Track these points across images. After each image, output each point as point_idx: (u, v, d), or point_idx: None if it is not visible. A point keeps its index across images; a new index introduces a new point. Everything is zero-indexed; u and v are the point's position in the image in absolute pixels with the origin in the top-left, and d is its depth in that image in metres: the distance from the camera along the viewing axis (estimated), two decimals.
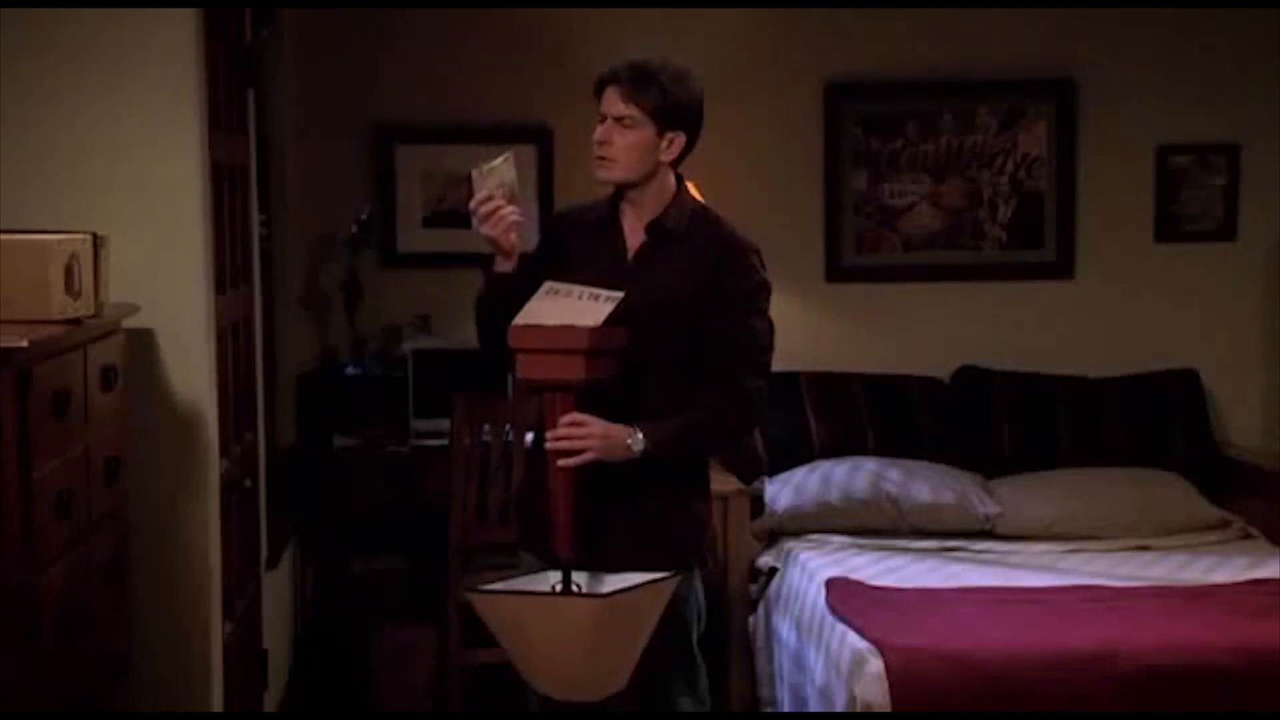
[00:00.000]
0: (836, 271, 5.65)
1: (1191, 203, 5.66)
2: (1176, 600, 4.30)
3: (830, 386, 5.49)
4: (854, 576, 4.55)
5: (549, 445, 3.22)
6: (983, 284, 5.66)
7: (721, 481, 5.11)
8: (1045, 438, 5.45)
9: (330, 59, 5.49)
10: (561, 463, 3.21)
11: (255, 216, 4.43)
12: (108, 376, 3.17)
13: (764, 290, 3.39)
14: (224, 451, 3.79)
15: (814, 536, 5.01)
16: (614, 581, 3.19)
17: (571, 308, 3.21)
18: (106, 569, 3.20)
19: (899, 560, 4.80)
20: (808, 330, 5.60)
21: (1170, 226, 5.67)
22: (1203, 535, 5.06)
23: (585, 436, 3.20)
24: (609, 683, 3.18)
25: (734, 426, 3.45)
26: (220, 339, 3.79)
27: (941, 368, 5.58)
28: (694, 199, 3.47)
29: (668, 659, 3.36)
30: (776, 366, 5.42)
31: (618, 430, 3.22)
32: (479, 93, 5.49)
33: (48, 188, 3.48)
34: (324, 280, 5.43)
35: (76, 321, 2.98)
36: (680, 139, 3.36)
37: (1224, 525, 5.14)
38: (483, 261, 3.39)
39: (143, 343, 3.52)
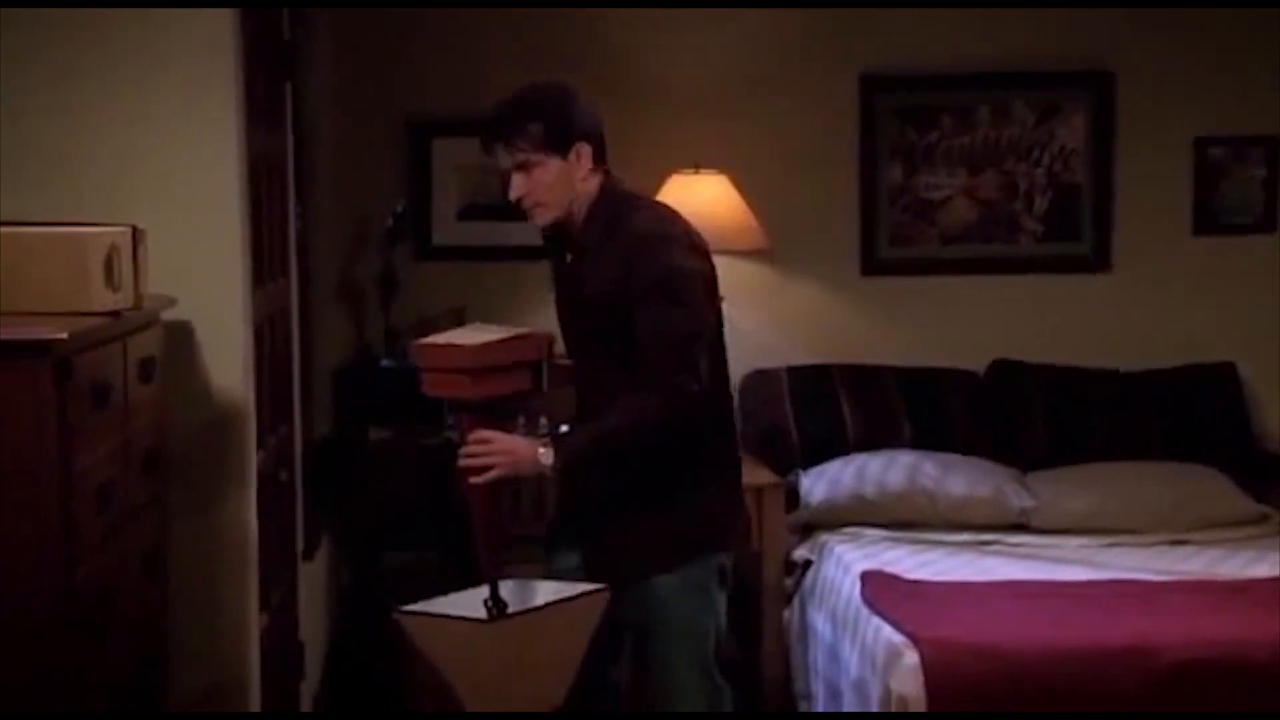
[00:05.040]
0: (872, 264, 5.64)
1: (1230, 195, 5.62)
2: (1214, 595, 4.27)
3: (865, 379, 5.48)
4: (889, 570, 4.54)
5: (460, 463, 3.22)
6: (1019, 277, 5.64)
7: (756, 474, 5.12)
8: (1081, 432, 5.43)
9: (366, 53, 5.51)
10: (472, 479, 3.20)
11: (292, 210, 4.45)
12: (146, 369, 3.19)
13: (675, 278, 3.21)
14: (261, 444, 3.81)
15: (849, 529, 5.00)
16: (546, 592, 3.16)
17: (477, 334, 3.25)
18: (145, 561, 3.22)
19: (934, 554, 4.79)
20: (843, 323, 5.61)
21: (1208, 219, 5.63)
22: (1240, 530, 5.03)
23: (490, 454, 3.19)
24: (536, 703, 3.10)
25: (656, 427, 3.22)
26: (257, 332, 3.80)
27: (977, 361, 5.56)
28: (620, 195, 3.33)
29: (682, 675, 3.33)
30: (812, 359, 5.52)
31: (524, 446, 3.20)
32: (514, 86, 5.48)
33: (87, 182, 3.50)
34: (359, 273, 5.45)
35: (116, 314, 2.99)
36: (585, 148, 3.26)
37: (1262, 520, 5.11)
38: None
39: (180, 335, 3.54)
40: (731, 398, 3.50)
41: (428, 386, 3.26)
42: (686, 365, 3.20)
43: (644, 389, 3.20)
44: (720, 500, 3.41)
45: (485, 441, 3.21)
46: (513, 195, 3.28)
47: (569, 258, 3.36)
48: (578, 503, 3.38)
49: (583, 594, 3.13)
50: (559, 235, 3.37)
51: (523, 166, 3.25)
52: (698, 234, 3.34)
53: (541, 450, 3.18)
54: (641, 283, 3.21)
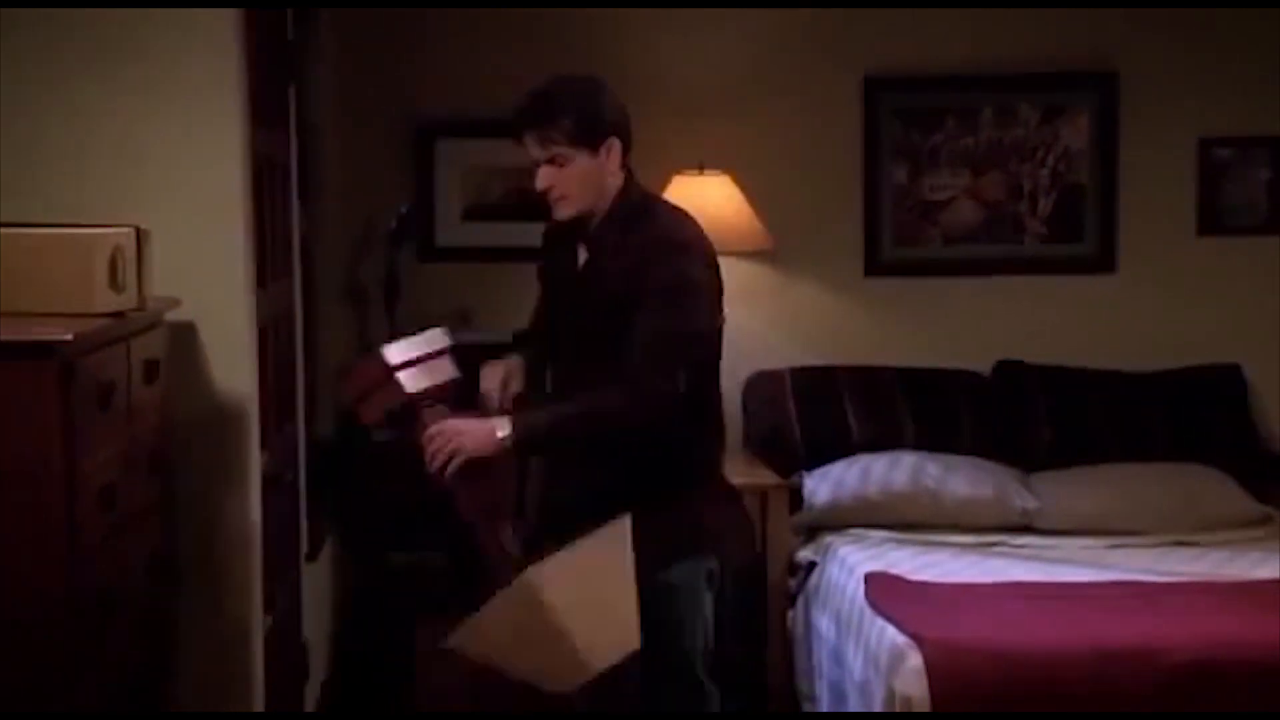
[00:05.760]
0: (875, 265, 5.63)
1: (1234, 196, 5.62)
2: (1219, 596, 4.27)
3: (869, 381, 5.48)
4: (893, 571, 4.53)
5: (432, 468, 3.22)
6: (1023, 278, 5.64)
7: (759, 476, 5.13)
8: (1085, 433, 5.42)
9: (370, 54, 5.51)
10: (447, 472, 3.20)
11: (296, 211, 4.44)
12: (150, 370, 3.19)
13: (684, 285, 3.22)
14: (264, 444, 3.81)
15: (853, 531, 5.00)
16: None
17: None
18: (149, 562, 3.22)
19: (938, 555, 4.79)
20: (846, 324, 5.61)
21: (1213, 220, 5.63)
22: (1245, 531, 5.02)
23: (447, 440, 3.19)
24: (614, 647, 3.05)
25: (620, 421, 3.20)
26: (261, 332, 3.80)
27: (981, 362, 5.56)
28: (641, 196, 3.35)
29: (667, 683, 3.33)
30: (815, 360, 5.52)
31: (475, 424, 3.19)
32: (518, 87, 5.44)
33: (91, 182, 3.49)
34: (363, 274, 5.45)
35: (120, 315, 2.99)
36: (615, 144, 3.27)
37: (1267, 521, 5.10)
38: None
39: (184, 337, 3.54)
40: (722, 407, 3.48)
41: (366, 414, 3.27)
42: (667, 369, 3.18)
43: (622, 385, 3.19)
44: (709, 504, 3.40)
45: (438, 434, 3.21)
46: (541, 185, 3.27)
47: (582, 256, 3.35)
48: (563, 506, 3.37)
49: (601, 528, 3.09)
50: (572, 232, 3.36)
51: (553, 160, 3.24)
52: (710, 244, 3.36)
53: (497, 427, 3.17)
54: (650, 284, 3.21)
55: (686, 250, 3.26)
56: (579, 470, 3.34)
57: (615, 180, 3.30)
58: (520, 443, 3.19)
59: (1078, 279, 5.64)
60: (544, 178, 3.26)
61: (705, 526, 3.38)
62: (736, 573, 4.97)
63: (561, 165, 3.24)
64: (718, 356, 3.39)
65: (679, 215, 3.39)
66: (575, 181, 3.25)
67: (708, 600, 3.38)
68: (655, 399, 3.18)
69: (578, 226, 3.34)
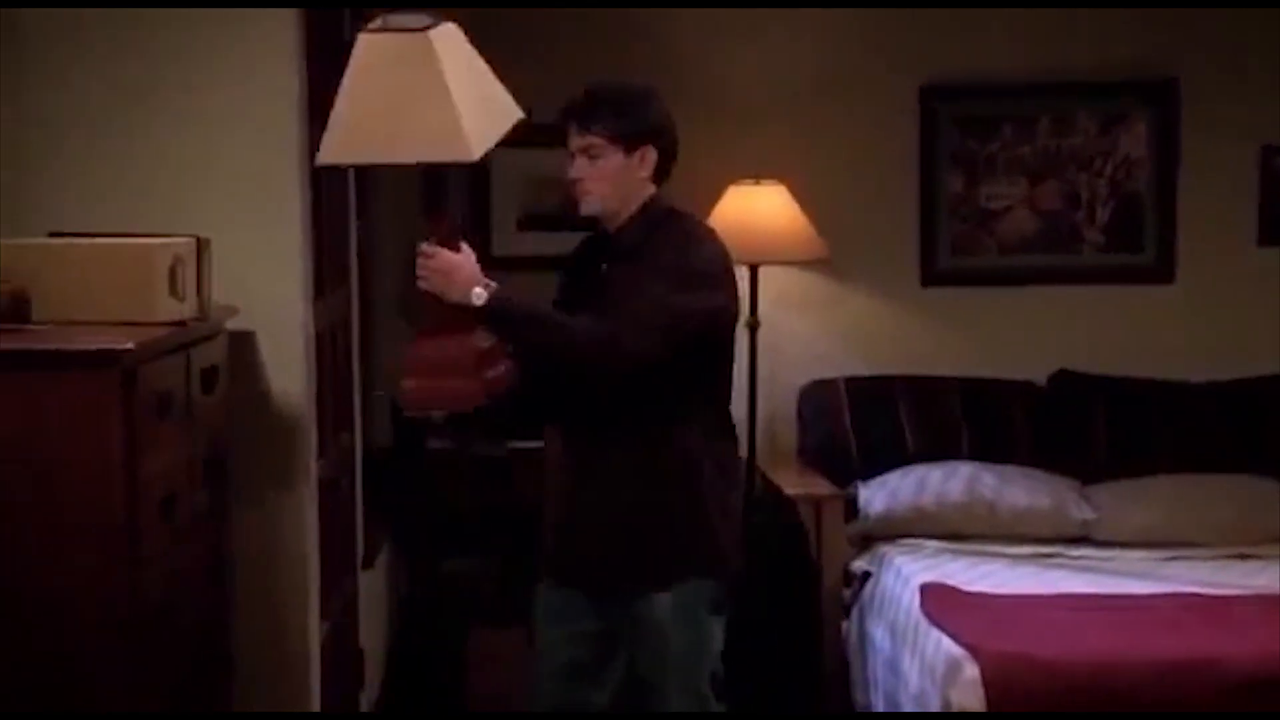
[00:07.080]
0: (932, 275, 5.61)
1: None
2: (1278, 610, 4.23)
3: (925, 391, 5.46)
4: (949, 582, 4.52)
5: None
6: (1080, 288, 5.60)
7: (814, 485, 5.12)
8: (1143, 443, 5.38)
9: None
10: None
11: (353, 219, 4.47)
12: (210, 378, 3.22)
13: (694, 272, 3.22)
14: (321, 452, 3.83)
15: (908, 541, 4.98)
16: None
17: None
18: (207, 569, 3.25)
19: (994, 565, 4.76)
20: (901, 334, 5.58)
21: (1274, 229, 5.56)
22: None
23: (431, 269, 3.17)
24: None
25: (587, 354, 3.15)
26: (318, 341, 3.82)
27: (1038, 372, 5.52)
28: (667, 207, 3.35)
29: (674, 696, 3.28)
30: (871, 370, 5.50)
31: (466, 269, 3.14)
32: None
33: (150, 192, 3.52)
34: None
35: (180, 324, 3.02)
36: (651, 153, 3.29)
37: None
38: None
39: (243, 345, 3.56)
40: (735, 431, 3.46)
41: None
42: (648, 337, 3.14)
43: (601, 321, 3.15)
44: (726, 525, 3.35)
45: (428, 256, 3.19)
46: (571, 175, 3.31)
47: (604, 265, 3.36)
48: (578, 514, 3.36)
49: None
50: (594, 242, 3.38)
51: (587, 151, 3.28)
52: (731, 262, 3.36)
53: (478, 289, 3.13)
54: (657, 263, 3.21)
55: (705, 243, 3.30)
56: (596, 483, 3.32)
57: (644, 190, 3.32)
58: (490, 310, 3.13)
59: (1136, 289, 5.60)
60: (575, 169, 3.31)
61: (719, 545, 3.33)
62: (774, 594, 4.93)
63: (594, 159, 3.27)
64: (726, 353, 3.38)
65: (705, 226, 3.44)
66: (603, 178, 3.28)
67: (716, 624, 3.32)
68: (627, 351, 3.14)
69: (599, 239, 3.36)
